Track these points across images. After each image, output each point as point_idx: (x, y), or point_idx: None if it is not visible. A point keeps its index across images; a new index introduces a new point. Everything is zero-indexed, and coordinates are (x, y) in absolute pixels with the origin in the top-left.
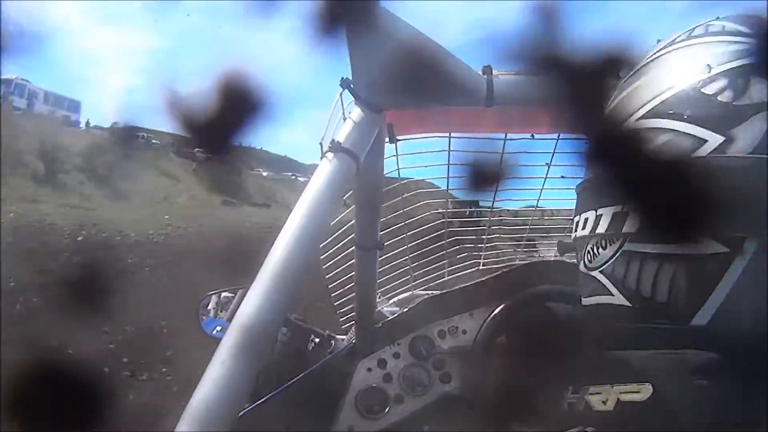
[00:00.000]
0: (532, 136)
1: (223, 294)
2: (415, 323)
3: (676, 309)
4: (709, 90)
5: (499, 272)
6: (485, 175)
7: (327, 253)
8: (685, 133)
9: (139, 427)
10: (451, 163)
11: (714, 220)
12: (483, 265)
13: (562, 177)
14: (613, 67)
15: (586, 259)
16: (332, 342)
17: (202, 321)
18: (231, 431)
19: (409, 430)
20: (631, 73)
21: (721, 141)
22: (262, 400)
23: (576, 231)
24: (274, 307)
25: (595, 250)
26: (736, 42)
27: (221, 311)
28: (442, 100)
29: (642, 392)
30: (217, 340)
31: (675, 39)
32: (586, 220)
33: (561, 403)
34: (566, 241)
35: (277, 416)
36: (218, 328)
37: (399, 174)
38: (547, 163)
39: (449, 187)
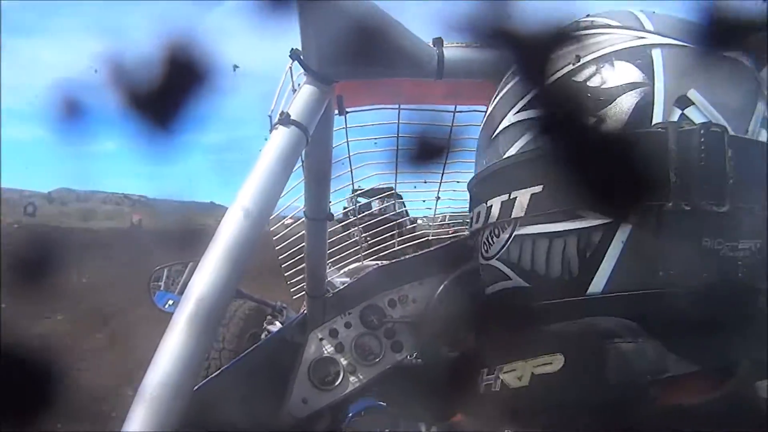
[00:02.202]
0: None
1: (174, 267)
2: (365, 293)
3: (571, 282)
4: (580, 77)
5: (449, 242)
6: (434, 148)
7: (276, 225)
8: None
9: None
10: (400, 135)
11: (594, 194)
12: (432, 236)
13: None
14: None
15: (483, 250)
16: (284, 313)
17: (154, 295)
18: (187, 406)
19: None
20: (509, 73)
21: (593, 121)
22: (216, 373)
23: (471, 226)
24: (225, 279)
25: (490, 240)
26: (602, 34)
27: (172, 284)
28: (391, 72)
29: (554, 363)
30: (168, 314)
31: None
32: (479, 213)
33: (478, 387)
34: None
35: (232, 388)
36: (170, 302)
37: (348, 146)
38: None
39: (398, 159)
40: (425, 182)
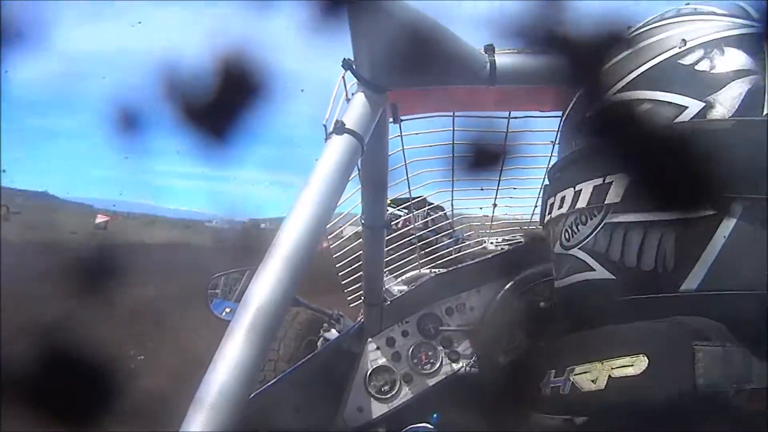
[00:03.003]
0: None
1: (231, 275)
2: (422, 301)
3: (664, 276)
4: (687, 61)
5: (507, 249)
6: (489, 154)
7: (334, 233)
8: (665, 102)
9: None
10: (455, 142)
11: (699, 184)
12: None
13: None
14: (613, 44)
15: (563, 238)
16: (341, 321)
17: (211, 303)
18: (242, 414)
19: (419, 410)
20: (607, 56)
21: (702, 107)
22: (272, 381)
23: (550, 212)
24: (282, 287)
25: (574, 228)
26: (709, 19)
27: (229, 292)
28: (444, 79)
29: (636, 365)
30: (226, 322)
31: (649, 20)
32: (563, 198)
33: (543, 390)
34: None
35: (287, 397)
36: (227, 309)
37: (404, 154)
38: (552, 142)
39: (454, 167)
40: (482, 189)
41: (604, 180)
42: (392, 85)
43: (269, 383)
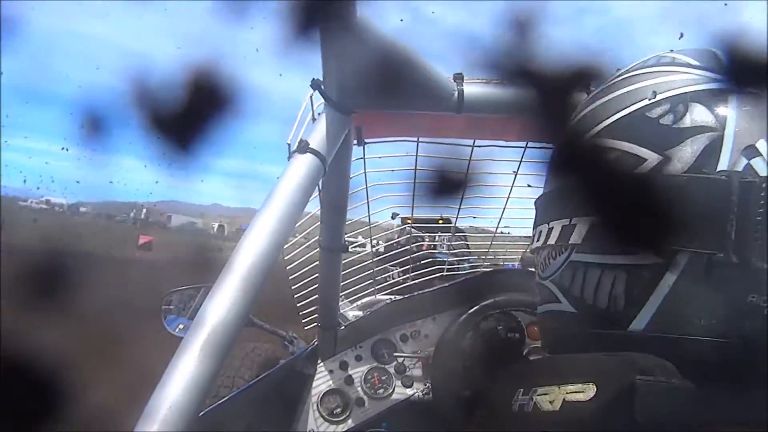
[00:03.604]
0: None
1: (186, 291)
2: (377, 326)
3: (616, 315)
4: (653, 114)
5: (463, 278)
6: (451, 182)
7: (291, 254)
8: (629, 152)
9: None
10: (417, 168)
11: (649, 233)
12: (446, 272)
13: (529, 186)
14: (582, 81)
15: (540, 270)
16: (294, 343)
17: (165, 319)
18: (192, 431)
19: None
20: (588, 98)
21: (660, 160)
22: (223, 399)
23: (533, 243)
24: (237, 306)
25: (547, 261)
26: (682, 72)
27: (183, 309)
28: (412, 105)
29: (586, 392)
30: (179, 339)
31: (632, 67)
32: (541, 232)
33: (512, 406)
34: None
35: (238, 416)
36: (180, 326)
37: (365, 177)
38: (514, 172)
39: (415, 193)
40: (441, 217)
41: (570, 221)
42: (359, 107)
43: (220, 401)
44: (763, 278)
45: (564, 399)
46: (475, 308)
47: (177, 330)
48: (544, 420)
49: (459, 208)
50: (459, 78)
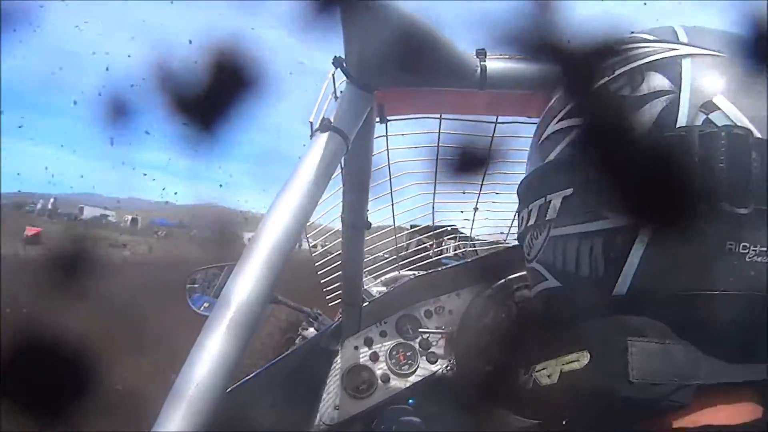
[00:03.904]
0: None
1: (210, 270)
2: (402, 302)
3: (599, 282)
4: (612, 88)
5: (487, 254)
6: (474, 158)
7: (315, 231)
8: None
9: None
10: (440, 144)
11: (617, 196)
12: (471, 246)
13: None
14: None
15: (526, 252)
16: (319, 320)
17: (190, 297)
18: (219, 407)
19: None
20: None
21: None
22: (249, 376)
23: (519, 230)
24: (261, 283)
25: (531, 243)
26: (639, 47)
27: (208, 287)
28: (434, 82)
29: (580, 360)
30: (204, 317)
31: None
32: (522, 218)
33: (520, 383)
34: None
35: (263, 393)
36: (206, 304)
37: (388, 154)
38: None
39: (438, 169)
40: (464, 192)
41: (545, 199)
42: (381, 85)
43: (246, 378)
44: (736, 223)
45: (561, 371)
46: (499, 283)
47: (202, 308)
48: (545, 394)
49: (481, 184)
50: (481, 54)
